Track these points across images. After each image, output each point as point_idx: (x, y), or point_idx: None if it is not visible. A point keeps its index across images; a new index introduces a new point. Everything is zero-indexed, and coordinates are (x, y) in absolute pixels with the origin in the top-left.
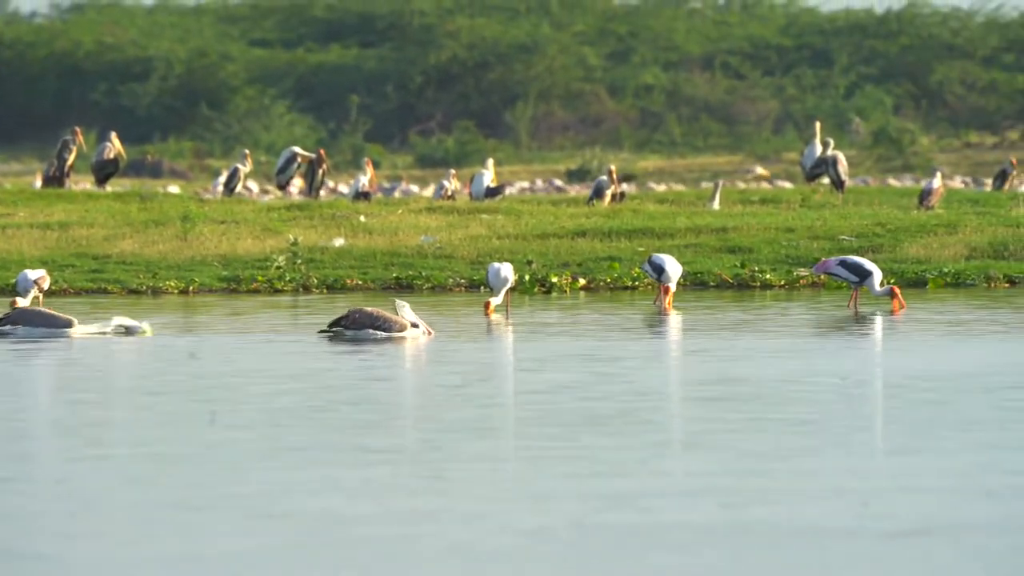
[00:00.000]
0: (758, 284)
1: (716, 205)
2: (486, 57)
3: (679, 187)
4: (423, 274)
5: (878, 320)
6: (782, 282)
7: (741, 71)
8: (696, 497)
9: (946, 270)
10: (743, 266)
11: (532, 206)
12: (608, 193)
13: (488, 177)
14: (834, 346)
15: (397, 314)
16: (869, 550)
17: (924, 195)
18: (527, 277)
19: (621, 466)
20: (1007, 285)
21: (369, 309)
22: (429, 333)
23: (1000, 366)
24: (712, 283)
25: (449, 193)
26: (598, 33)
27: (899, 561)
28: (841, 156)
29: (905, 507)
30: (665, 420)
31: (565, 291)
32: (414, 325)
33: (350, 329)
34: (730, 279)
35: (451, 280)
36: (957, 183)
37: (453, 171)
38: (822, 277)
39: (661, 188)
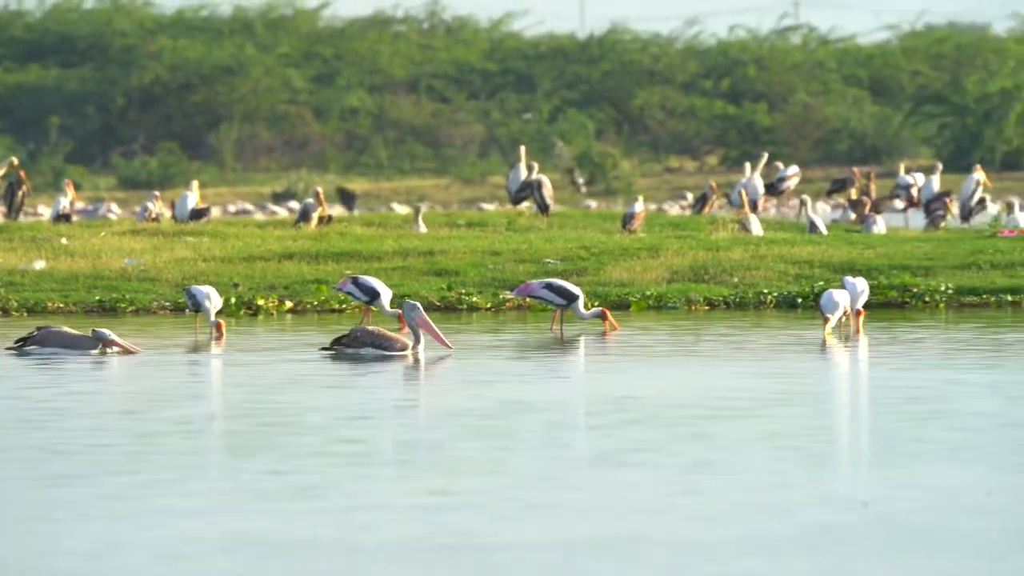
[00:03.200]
0: (465, 307)
1: (422, 228)
2: (189, 79)
3: (395, 209)
4: (127, 297)
5: (582, 343)
6: (488, 305)
7: (446, 95)
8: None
9: (648, 293)
10: (450, 289)
11: (238, 228)
12: (315, 216)
13: (193, 199)
14: (545, 369)
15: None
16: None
17: (627, 219)
18: (233, 300)
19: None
20: (707, 308)
21: (371, 328)
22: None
23: (701, 390)
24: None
25: (153, 215)
26: (303, 55)
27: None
28: (546, 180)
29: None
30: (379, 443)
31: (272, 314)
32: (415, 343)
33: (351, 347)
34: (437, 302)
35: (155, 303)
36: (672, 209)
37: (157, 193)
38: (527, 300)
39: (401, 209)
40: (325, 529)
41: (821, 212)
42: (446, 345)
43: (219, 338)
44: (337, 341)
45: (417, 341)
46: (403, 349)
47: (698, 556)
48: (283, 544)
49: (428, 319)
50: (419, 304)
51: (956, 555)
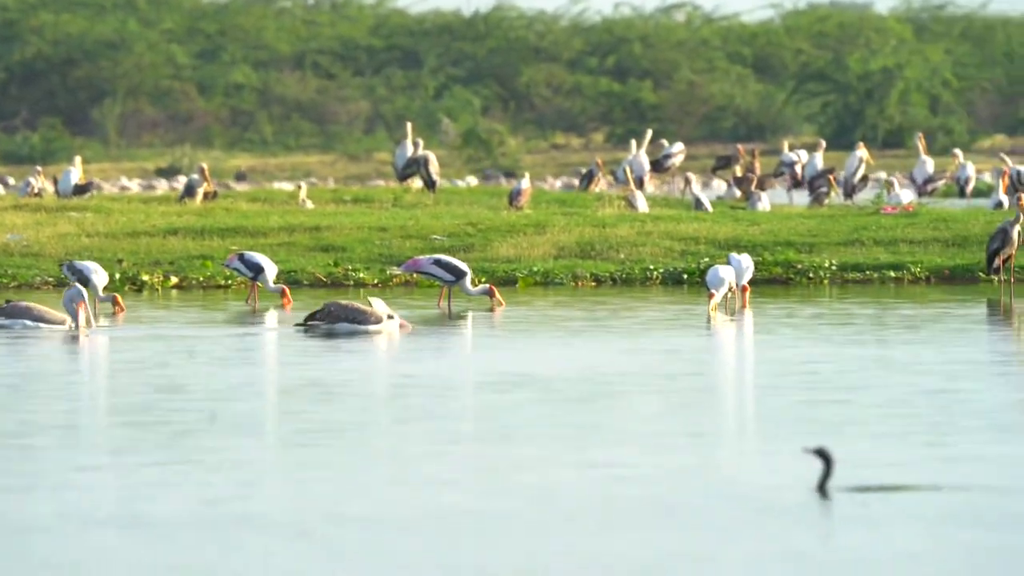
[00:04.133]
0: (351, 283)
1: (308, 204)
2: (72, 54)
3: (279, 186)
4: (9, 272)
5: (470, 318)
6: (375, 281)
7: (331, 71)
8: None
9: (535, 269)
10: (336, 264)
11: (123, 204)
12: (200, 191)
13: (76, 174)
14: (433, 346)
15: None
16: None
17: (513, 195)
18: (118, 276)
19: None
20: (593, 284)
21: (344, 302)
22: (404, 326)
23: (590, 364)
24: (306, 282)
25: (36, 191)
26: (186, 31)
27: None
28: (432, 156)
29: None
30: (266, 420)
31: (157, 290)
32: (389, 317)
33: (325, 322)
34: (324, 278)
35: (39, 278)
36: (557, 185)
37: (39, 168)
38: (414, 276)
39: (289, 186)
40: (214, 505)
41: (717, 188)
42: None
43: (119, 311)
44: (312, 316)
45: (391, 316)
46: (378, 323)
47: (574, 530)
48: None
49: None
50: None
51: (784, 527)
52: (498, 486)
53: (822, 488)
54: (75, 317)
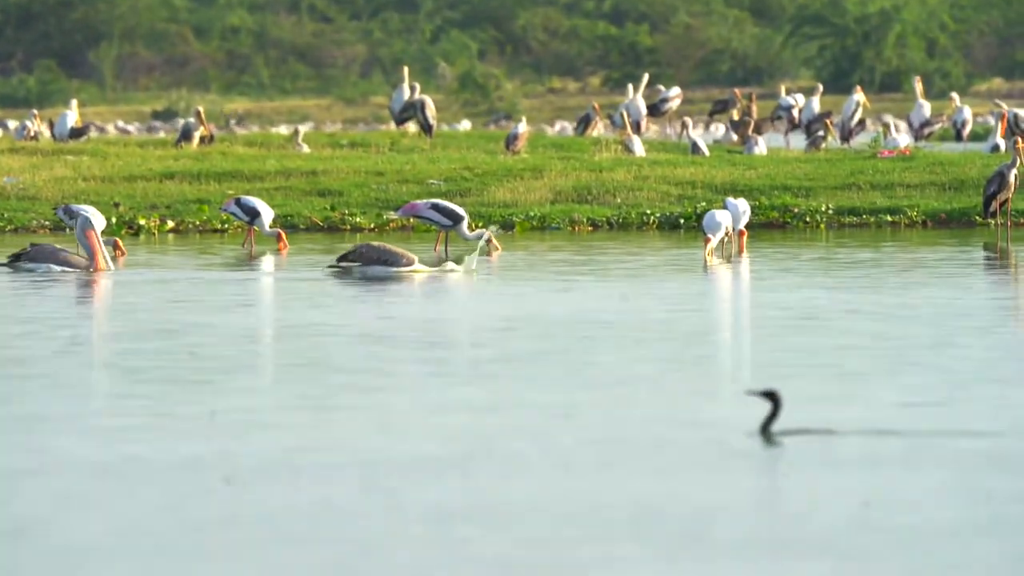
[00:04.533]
0: (348, 227)
1: (304, 148)
2: None
3: (275, 130)
4: (5, 216)
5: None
6: (372, 225)
7: (328, 14)
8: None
9: (532, 214)
10: (333, 209)
11: (119, 147)
12: (196, 135)
13: (72, 117)
14: (431, 288)
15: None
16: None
17: (510, 139)
18: (114, 219)
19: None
20: (590, 228)
21: (376, 244)
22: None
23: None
24: (303, 226)
25: (32, 134)
26: None
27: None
28: (429, 100)
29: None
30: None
31: (153, 233)
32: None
33: (357, 263)
34: (320, 222)
35: (35, 222)
36: (554, 130)
37: (35, 111)
38: (411, 220)
39: (284, 130)
40: (209, 443)
41: (714, 132)
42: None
43: (120, 255)
44: (344, 258)
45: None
46: (410, 264)
47: (573, 471)
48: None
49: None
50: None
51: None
52: (469, 430)
53: (765, 430)
54: (89, 249)
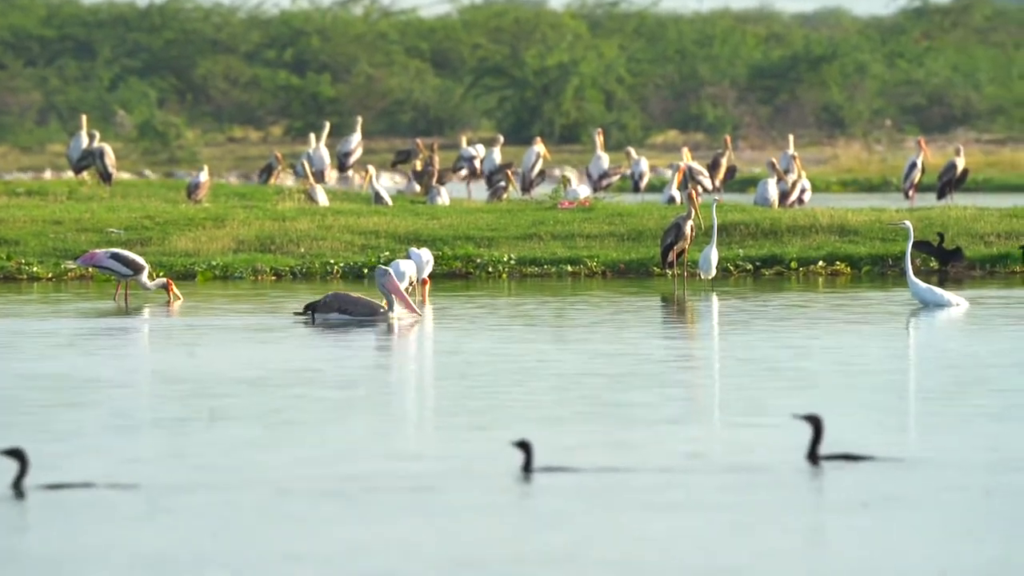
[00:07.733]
0: (25, 276)
1: None
2: None
3: None
4: None
5: (146, 313)
6: (50, 275)
7: (3, 61)
8: None
9: (215, 263)
10: (9, 258)
11: None
12: None
13: None
14: (113, 341)
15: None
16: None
17: (192, 188)
18: None
19: None
20: (273, 278)
21: (341, 293)
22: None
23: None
24: None
25: None
26: None
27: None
28: (108, 148)
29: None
30: None
31: None
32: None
33: (319, 313)
34: None
35: None
36: (233, 180)
37: None
38: (91, 270)
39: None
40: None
41: (397, 182)
42: (415, 312)
43: None
44: (310, 307)
45: (390, 307)
46: (373, 313)
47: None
48: None
49: (399, 285)
50: (389, 270)
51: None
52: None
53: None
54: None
